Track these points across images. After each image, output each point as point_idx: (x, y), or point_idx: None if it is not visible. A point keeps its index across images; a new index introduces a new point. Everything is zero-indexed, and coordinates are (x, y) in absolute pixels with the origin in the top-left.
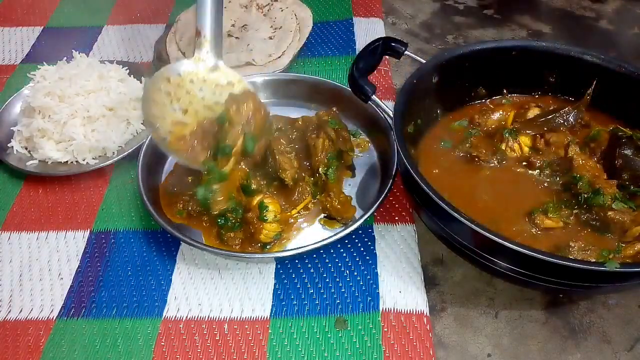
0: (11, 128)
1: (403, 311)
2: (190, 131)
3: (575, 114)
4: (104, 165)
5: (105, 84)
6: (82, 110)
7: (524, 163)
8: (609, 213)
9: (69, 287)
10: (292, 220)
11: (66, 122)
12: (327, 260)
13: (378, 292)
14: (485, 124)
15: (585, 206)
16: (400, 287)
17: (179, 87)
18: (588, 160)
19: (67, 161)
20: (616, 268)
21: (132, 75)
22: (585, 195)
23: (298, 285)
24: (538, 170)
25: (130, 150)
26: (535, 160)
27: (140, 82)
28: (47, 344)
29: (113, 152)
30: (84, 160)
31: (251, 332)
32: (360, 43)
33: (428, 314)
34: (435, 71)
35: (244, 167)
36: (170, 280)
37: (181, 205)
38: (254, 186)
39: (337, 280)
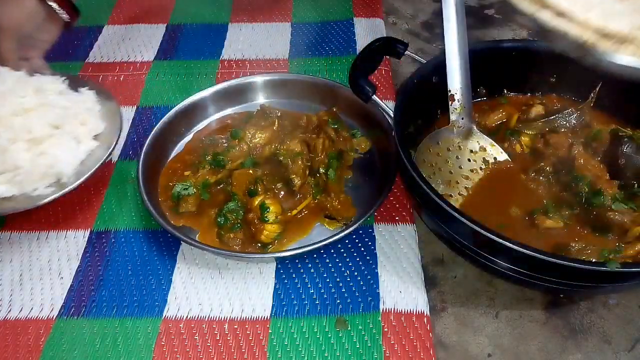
0: None
1: (403, 311)
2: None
3: (577, 117)
4: (62, 194)
5: (44, 99)
6: (23, 132)
7: (525, 163)
8: (609, 213)
9: (69, 286)
10: (293, 221)
11: (7, 148)
12: (327, 260)
13: (378, 292)
14: (485, 123)
15: (585, 206)
16: (401, 287)
17: (439, 157)
18: (590, 160)
19: (12, 195)
20: (617, 268)
21: (74, 88)
22: (586, 196)
23: (298, 285)
24: (539, 170)
25: (92, 171)
26: (536, 160)
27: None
28: (47, 343)
29: (69, 177)
30: (34, 191)
31: (251, 332)
32: (361, 43)
33: (428, 314)
34: (436, 71)
35: (251, 171)
36: (171, 280)
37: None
38: (259, 189)
39: (337, 280)
